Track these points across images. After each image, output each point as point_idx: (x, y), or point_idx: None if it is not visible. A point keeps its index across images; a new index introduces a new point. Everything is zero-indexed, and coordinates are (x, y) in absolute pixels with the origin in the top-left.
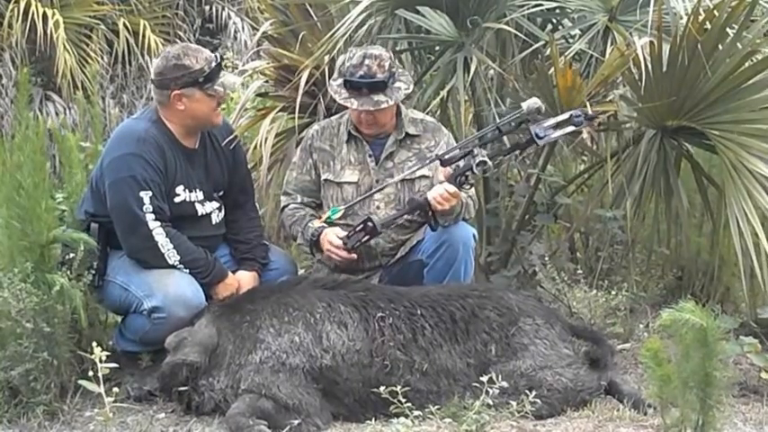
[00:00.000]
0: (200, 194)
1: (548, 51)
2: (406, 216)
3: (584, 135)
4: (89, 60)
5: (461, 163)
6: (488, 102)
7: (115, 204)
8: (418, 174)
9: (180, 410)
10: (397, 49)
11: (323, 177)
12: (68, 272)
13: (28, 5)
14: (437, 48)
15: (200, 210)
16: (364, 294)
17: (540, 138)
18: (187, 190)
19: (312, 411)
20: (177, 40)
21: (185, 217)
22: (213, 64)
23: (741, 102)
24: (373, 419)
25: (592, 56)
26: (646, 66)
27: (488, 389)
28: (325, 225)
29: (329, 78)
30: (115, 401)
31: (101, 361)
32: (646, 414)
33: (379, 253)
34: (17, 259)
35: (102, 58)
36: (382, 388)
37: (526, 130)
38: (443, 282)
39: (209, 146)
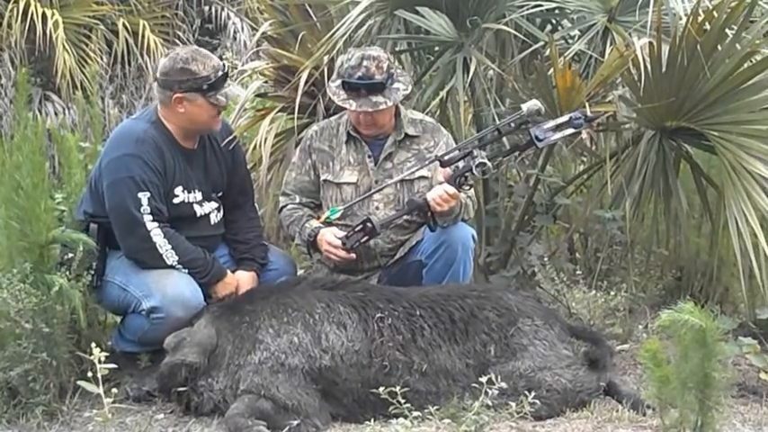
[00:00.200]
0: (198, 195)
1: (547, 52)
2: (405, 216)
3: (584, 136)
4: (88, 60)
5: (461, 164)
6: (488, 102)
7: (113, 205)
8: (417, 174)
9: (179, 411)
10: (397, 49)
11: (322, 178)
12: (67, 272)
13: (27, 5)
14: (436, 48)
15: (199, 210)
16: (363, 295)
17: (540, 140)
18: (186, 191)
19: (311, 412)
20: (176, 41)
21: (184, 217)
22: (219, 73)
23: (740, 102)
24: (372, 420)
25: (591, 56)
26: (645, 66)
27: (487, 389)
28: (322, 225)
29: (328, 79)
30: (114, 402)
31: (100, 361)
32: (645, 415)
33: (378, 253)
34: (16, 260)
35: (102, 58)
36: (381, 388)
37: (526, 132)
38: (442, 282)
39: (208, 146)
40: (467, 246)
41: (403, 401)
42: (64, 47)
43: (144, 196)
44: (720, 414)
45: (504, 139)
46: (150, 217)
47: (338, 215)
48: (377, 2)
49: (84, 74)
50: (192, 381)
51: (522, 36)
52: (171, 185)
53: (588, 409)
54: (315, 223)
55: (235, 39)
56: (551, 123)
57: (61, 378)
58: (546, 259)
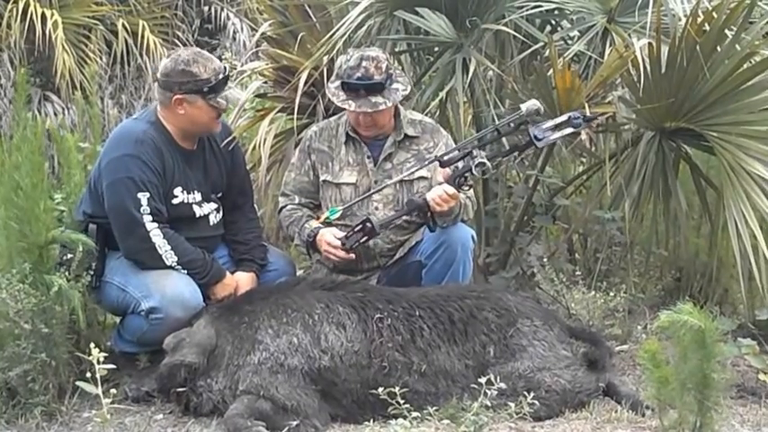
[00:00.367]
0: (198, 196)
1: (546, 53)
2: (404, 217)
3: (583, 137)
4: (88, 61)
5: (460, 164)
6: (487, 103)
7: (113, 205)
8: (417, 175)
9: (178, 411)
10: (396, 50)
11: (321, 178)
12: (67, 273)
13: (27, 6)
14: (436, 49)
15: (198, 211)
16: (363, 295)
17: (539, 139)
18: (185, 191)
19: (310, 412)
20: (176, 41)
21: (183, 218)
22: (220, 76)
23: (740, 103)
24: (371, 420)
25: (590, 57)
26: (644, 67)
27: (487, 390)
28: (321, 225)
29: (328, 79)
30: (113, 402)
31: (99, 362)
32: (644, 416)
33: (378, 254)
34: (15, 260)
35: (101, 58)
36: (380, 389)
37: (525, 132)
38: (442, 283)
39: (207, 147)
40: (466, 246)
41: (402, 402)
42: (63, 47)
43: (143, 197)
44: (719, 415)
45: (504, 139)
46: (150, 217)
47: (337, 215)
48: (376, 2)
49: (83, 74)
50: (192, 381)
51: (521, 37)
52: (170, 186)
53: (587, 410)
54: (314, 223)
55: (234, 39)
56: (550, 123)
57: (60, 378)
58: (545, 260)
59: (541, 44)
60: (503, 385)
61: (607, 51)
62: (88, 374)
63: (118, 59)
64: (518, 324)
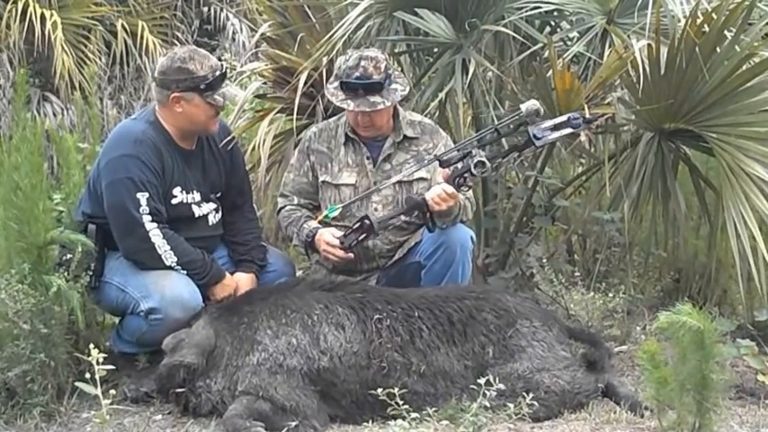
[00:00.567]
0: (197, 196)
1: (546, 54)
2: (403, 217)
3: (582, 138)
4: (87, 61)
5: (460, 164)
6: (487, 104)
7: (112, 205)
8: (416, 176)
9: (177, 412)
10: (396, 50)
11: (320, 179)
12: (66, 273)
13: (26, 6)
14: (435, 50)
15: (197, 211)
16: (362, 296)
17: (538, 139)
18: (184, 191)
19: (309, 413)
20: (175, 42)
21: (182, 218)
22: (217, 73)
23: (739, 105)
24: (370, 421)
25: (590, 58)
26: (644, 68)
27: (486, 391)
28: (320, 226)
29: (327, 80)
30: (112, 403)
31: (98, 362)
32: (643, 416)
33: (377, 254)
34: (14, 260)
35: (100, 58)
36: (380, 390)
37: (524, 132)
38: (441, 284)
39: (206, 147)
40: (465, 247)
41: (401, 403)
42: (62, 48)
43: (143, 197)
44: (718, 416)
45: (503, 140)
46: (149, 217)
47: (336, 213)
48: (376, 3)
49: (82, 74)
50: (191, 382)
51: (520, 38)
52: (169, 186)
53: (586, 411)
54: (313, 224)
55: (233, 40)
56: (549, 123)
57: (59, 379)
58: (544, 261)
59: (541, 45)
60: (502, 386)
61: (606, 52)
62: (87, 375)
63: (117, 60)
64: (517, 325)
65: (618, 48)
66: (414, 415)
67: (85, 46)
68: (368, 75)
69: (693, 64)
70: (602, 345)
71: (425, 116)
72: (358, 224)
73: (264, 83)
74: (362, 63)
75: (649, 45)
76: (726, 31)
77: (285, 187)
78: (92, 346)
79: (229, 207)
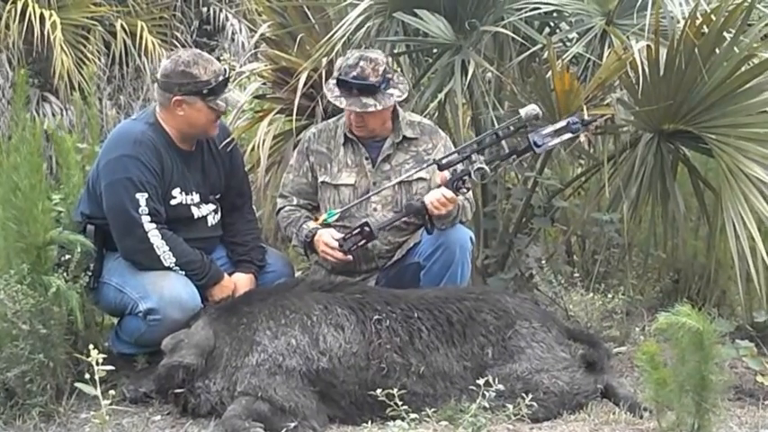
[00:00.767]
0: (196, 197)
1: (545, 55)
2: (402, 219)
3: (582, 139)
4: (86, 61)
5: (459, 167)
6: (486, 105)
7: (111, 206)
8: (416, 176)
9: (176, 413)
10: (395, 51)
11: (320, 180)
12: (65, 273)
13: (25, 6)
14: (435, 50)
15: (197, 212)
16: (361, 297)
17: (539, 146)
18: (183, 192)
19: (308, 414)
20: (175, 42)
21: (181, 219)
22: (220, 78)
23: (738, 106)
24: (370, 422)
25: (589, 59)
26: (643, 69)
27: (485, 392)
28: (319, 226)
29: (327, 81)
30: (111, 404)
31: (97, 363)
32: (642, 417)
33: (376, 255)
34: (13, 261)
35: (100, 59)
36: (379, 390)
37: (524, 137)
38: (440, 284)
39: (205, 148)
40: (465, 248)
41: (400, 403)
42: (62, 48)
43: (142, 197)
44: (717, 417)
45: (503, 142)
46: (148, 218)
47: (335, 218)
48: (375, 4)
49: (81, 75)
50: (190, 382)
51: (520, 39)
52: (168, 187)
53: (585, 412)
54: (312, 224)
55: (233, 40)
56: (549, 129)
57: (58, 379)
58: (543, 262)
59: (540, 46)
60: (501, 387)
61: (606, 53)
62: (86, 375)
63: (116, 60)
64: (516, 326)
65: (617, 49)
66: (413, 416)
67: (85, 46)
68: (364, 76)
69: (693, 65)
70: (602, 346)
71: (425, 117)
72: (358, 230)
73: (264, 83)
74: (361, 63)
75: (649, 46)
76: (725, 33)
77: (284, 188)
78: (91, 346)
79: (229, 208)
